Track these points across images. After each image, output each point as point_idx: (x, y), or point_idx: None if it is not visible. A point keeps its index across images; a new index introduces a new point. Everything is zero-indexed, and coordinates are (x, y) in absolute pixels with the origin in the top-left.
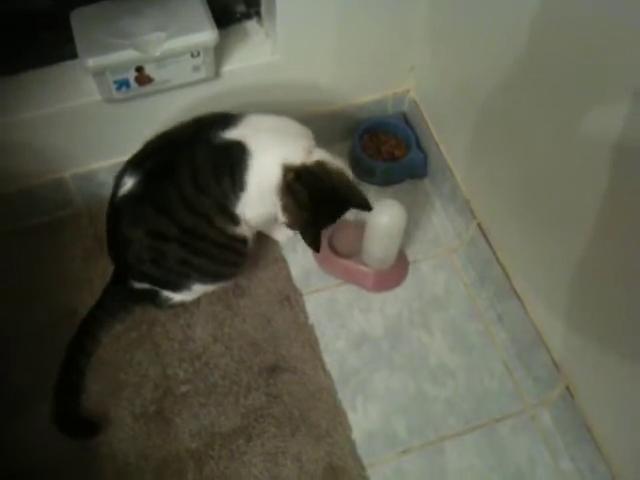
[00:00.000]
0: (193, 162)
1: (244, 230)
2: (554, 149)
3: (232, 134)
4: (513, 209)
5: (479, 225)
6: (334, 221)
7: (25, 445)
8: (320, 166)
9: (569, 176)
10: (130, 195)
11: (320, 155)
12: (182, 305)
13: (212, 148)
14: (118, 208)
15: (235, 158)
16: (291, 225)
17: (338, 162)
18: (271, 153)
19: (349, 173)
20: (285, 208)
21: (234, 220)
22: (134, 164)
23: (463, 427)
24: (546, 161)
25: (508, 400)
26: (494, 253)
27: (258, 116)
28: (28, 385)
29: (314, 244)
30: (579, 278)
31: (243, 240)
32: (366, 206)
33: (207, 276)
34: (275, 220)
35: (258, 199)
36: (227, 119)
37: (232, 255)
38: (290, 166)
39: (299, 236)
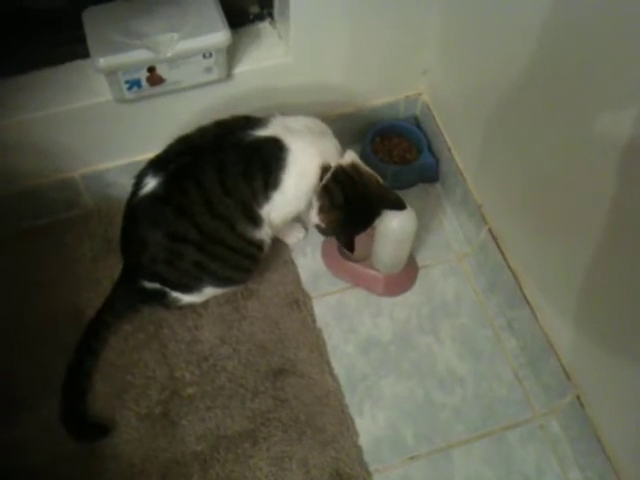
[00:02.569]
0: (221, 164)
1: (263, 234)
2: (566, 154)
3: (266, 132)
4: (524, 215)
5: (490, 230)
6: (368, 224)
7: (28, 445)
8: (354, 168)
9: (581, 181)
10: (152, 196)
11: (352, 157)
12: (190, 307)
13: (243, 148)
14: (137, 208)
15: (270, 155)
16: (325, 228)
17: (367, 167)
18: (310, 153)
19: (378, 177)
20: (321, 209)
21: (256, 222)
22: (157, 165)
23: (471, 435)
24: (558, 166)
25: (517, 408)
26: (505, 259)
27: (285, 116)
28: (33, 385)
29: (349, 244)
30: (590, 285)
31: (260, 246)
32: (400, 205)
33: (219, 280)
34: (295, 220)
35: (293, 197)
36: (253, 120)
37: (246, 261)
38: (328, 166)
39: (308, 239)
